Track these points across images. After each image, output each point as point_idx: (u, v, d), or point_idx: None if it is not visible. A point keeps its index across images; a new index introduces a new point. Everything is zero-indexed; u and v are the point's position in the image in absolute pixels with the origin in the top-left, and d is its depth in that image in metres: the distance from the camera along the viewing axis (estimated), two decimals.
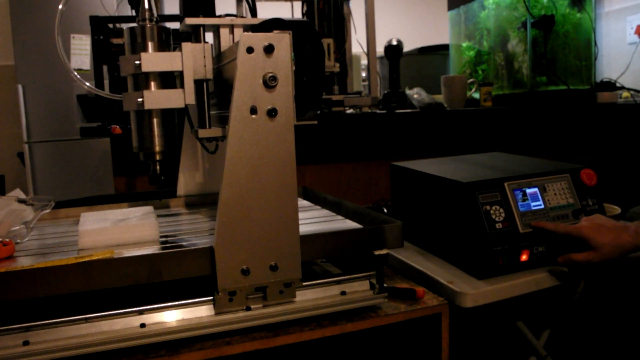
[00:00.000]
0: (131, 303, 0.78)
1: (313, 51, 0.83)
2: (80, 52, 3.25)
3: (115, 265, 0.75)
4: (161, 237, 0.95)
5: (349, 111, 2.14)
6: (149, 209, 1.05)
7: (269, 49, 0.76)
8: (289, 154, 0.80)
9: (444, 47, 2.73)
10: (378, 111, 2.15)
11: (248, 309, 0.81)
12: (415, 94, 2.18)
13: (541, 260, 1.06)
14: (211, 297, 0.81)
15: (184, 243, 0.91)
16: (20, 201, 1.04)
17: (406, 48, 2.31)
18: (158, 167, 0.92)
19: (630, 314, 1.37)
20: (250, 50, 0.76)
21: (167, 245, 0.90)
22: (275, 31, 0.78)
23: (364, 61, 2.44)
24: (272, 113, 0.78)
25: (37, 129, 3.47)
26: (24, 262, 0.84)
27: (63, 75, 3.40)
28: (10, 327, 0.72)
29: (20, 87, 3.42)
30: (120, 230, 0.90)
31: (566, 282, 1.04)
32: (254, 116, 0.77)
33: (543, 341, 1.23)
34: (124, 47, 0.89)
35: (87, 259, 0.76)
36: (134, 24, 0.88)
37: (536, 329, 1.24)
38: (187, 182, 1.22)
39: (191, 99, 0.86)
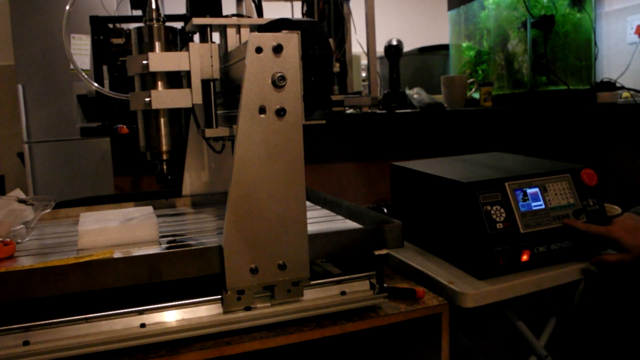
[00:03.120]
0: (131, 303, 0.78)
1: (321, 51, 0.83)
2: (80, 52, 3.25)
3: (116, 265, 0.75)
4: (167, 236, 0.96)
5: (349, 111, 2.13)
6: (148, 209, 1.05)
7: (277, 49, 0.77)
8: (297, 154, 0.80)
9: (444, 47, 2.72)
10: (378, 111, 2.14)
11: (248, 308, 0.81)
12: (415, 94, 2.18)
13: (542, 260, 1.06)
14: (213, 297, 0.81)
15: (191, 242, 0.91)
16: (20, 201, 1.04)
17: (406, 48, 2.31)
18: (165, 167, 0.93)
19: (631, 314, 1.37)
20: (259, 50, 0.76)
21: (174, 244, 0.90)
22: (283, 31, 0.78)
23: (364, 61, 2.44)
24: (280, 113, 0.78)
25: (37, 129, 3.47)
26: (24, 262, 0.84)
27: (63, 75, 3.40)
28: (10, 327, 0.72)
29: (20, 87, 3.42)
30: (120, 230, 0.90)
31: (566, 282, 1.04)
32: (262, 116, 0.78)
33: (543, 341, 1.23)
34: (123, 47, 0.90)
35: (87, 259, 0.76)
36: (137, 24, 0.88)
37: (536, 329, 1.24)
38: (192, 181, 1.22)
39: (198, 99, 0.86)
